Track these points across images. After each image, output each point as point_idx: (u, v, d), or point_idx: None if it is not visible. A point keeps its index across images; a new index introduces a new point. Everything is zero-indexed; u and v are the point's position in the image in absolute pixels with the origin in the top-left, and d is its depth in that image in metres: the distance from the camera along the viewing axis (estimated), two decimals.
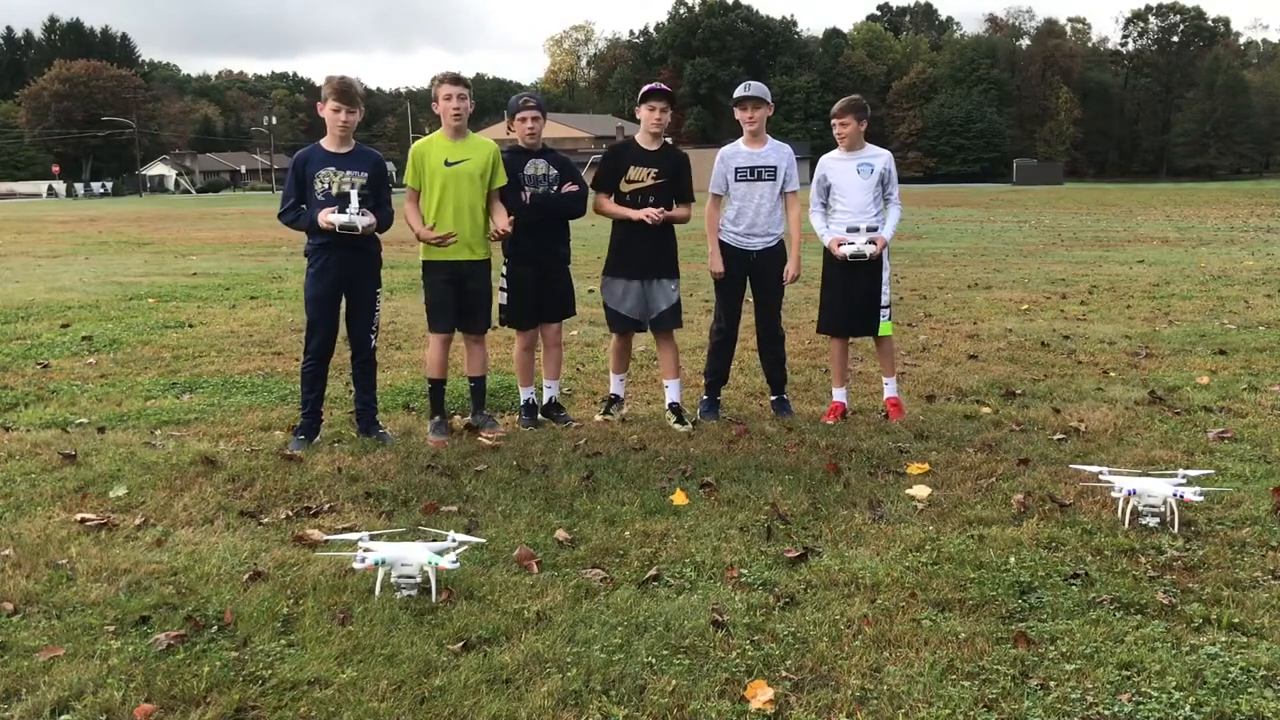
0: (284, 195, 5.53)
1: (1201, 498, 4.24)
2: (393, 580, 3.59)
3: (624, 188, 5.95)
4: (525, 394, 6.15)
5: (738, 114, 6.06)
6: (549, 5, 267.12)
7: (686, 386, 6.98)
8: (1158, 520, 4.21)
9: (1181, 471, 4.55)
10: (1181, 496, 4.17)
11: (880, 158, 6.08)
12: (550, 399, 6.23)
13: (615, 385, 6.31)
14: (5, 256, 19.40)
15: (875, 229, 5.96)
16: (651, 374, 7.47)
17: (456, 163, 5.65)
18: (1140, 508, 4.25)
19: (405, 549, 3.64)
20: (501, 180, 5.78)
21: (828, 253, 6.12)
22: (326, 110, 5.42)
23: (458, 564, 3.62)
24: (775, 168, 6.03)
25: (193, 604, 3.53)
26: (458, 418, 6.14)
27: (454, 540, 3.80)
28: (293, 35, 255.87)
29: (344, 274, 5.53)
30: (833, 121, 6.05)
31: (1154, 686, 2.96)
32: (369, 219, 5.35)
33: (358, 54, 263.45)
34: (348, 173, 5.43)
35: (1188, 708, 2.85)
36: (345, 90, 5.39)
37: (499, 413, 6.35)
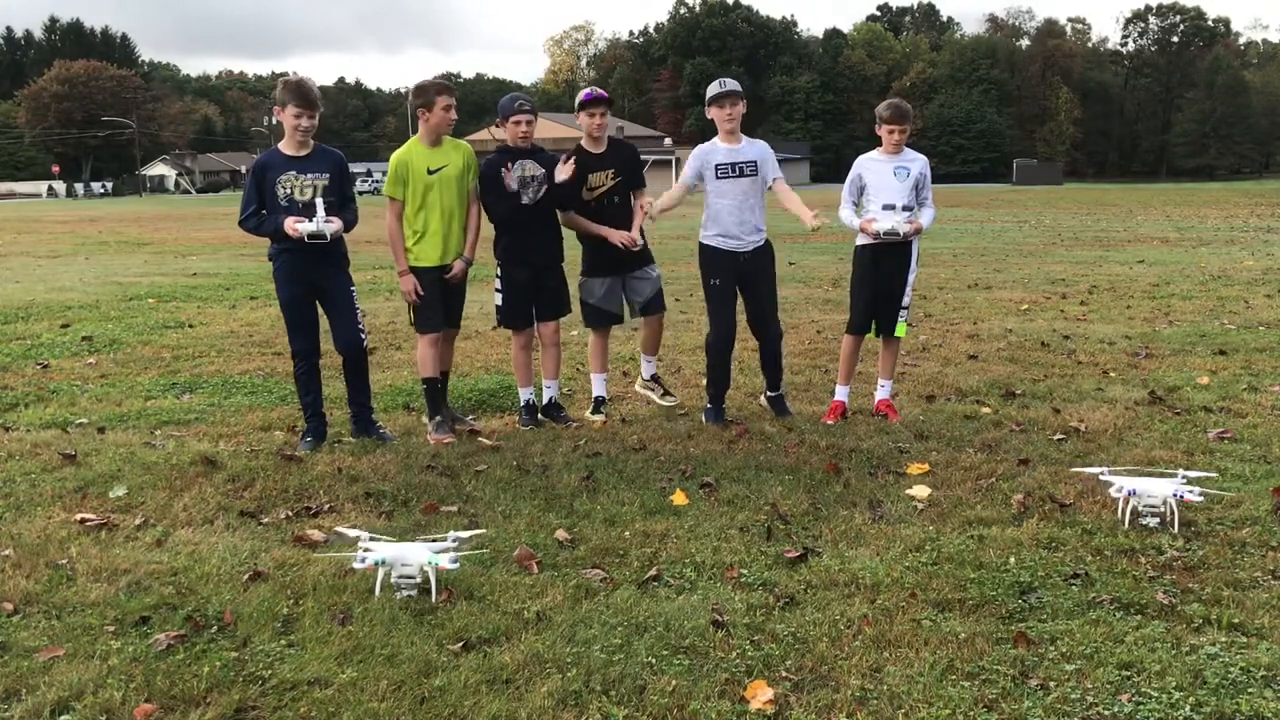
0: (244, 202, 5.46)
1: (1201, 498, 4.25)
2: (393, 580, 3.59)
3: (587, 196, 6.01)
4: (525, 394, 6.16)
5: (716, 112, 5.93)
6: (549, 5, 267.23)
7: (686, 387, 7.03)
8: (1158, 520, 4.21)
9: (1182, 472, 4.55)
10: (1181, 497, 4.17)
11: (917, 162, 6.07)
12: (550, 399, 6.24)
13: (598, 386, 6.36)
14: (5, 256, 19.41)
15: (911, 209, 5.95)
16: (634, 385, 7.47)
17: (439, 169, 5.68)
18: (1140, 508, 4.25)
19: (405, 549, 3.64)
20: (475, 178, 5.87)
21: (859, 253, 6.10)
22: (286, 115, 5.33)
23: (458, 564, 3.62)
24: (755, 162, 5.99)
25: (193, 604, 3.53)
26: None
27: (454, 540, 3.80)
28: (293, 36, 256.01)
29: (310, 275, 5.49)
30: (891, 127, 5.92)
31: (1154, 686, 2.96)
32: (336, 225, 5.32)
33: (356, 55, 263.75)
34: (309, 176, 5.38)
35: (1188, 708, 2.85)
36: (305, 95, 5.32)
37: (499, 413, 6.35)
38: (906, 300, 6.13)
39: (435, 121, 5.63)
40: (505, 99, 5.95)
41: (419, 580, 3.59)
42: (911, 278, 6.12)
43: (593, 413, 6.25)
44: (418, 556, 3.58)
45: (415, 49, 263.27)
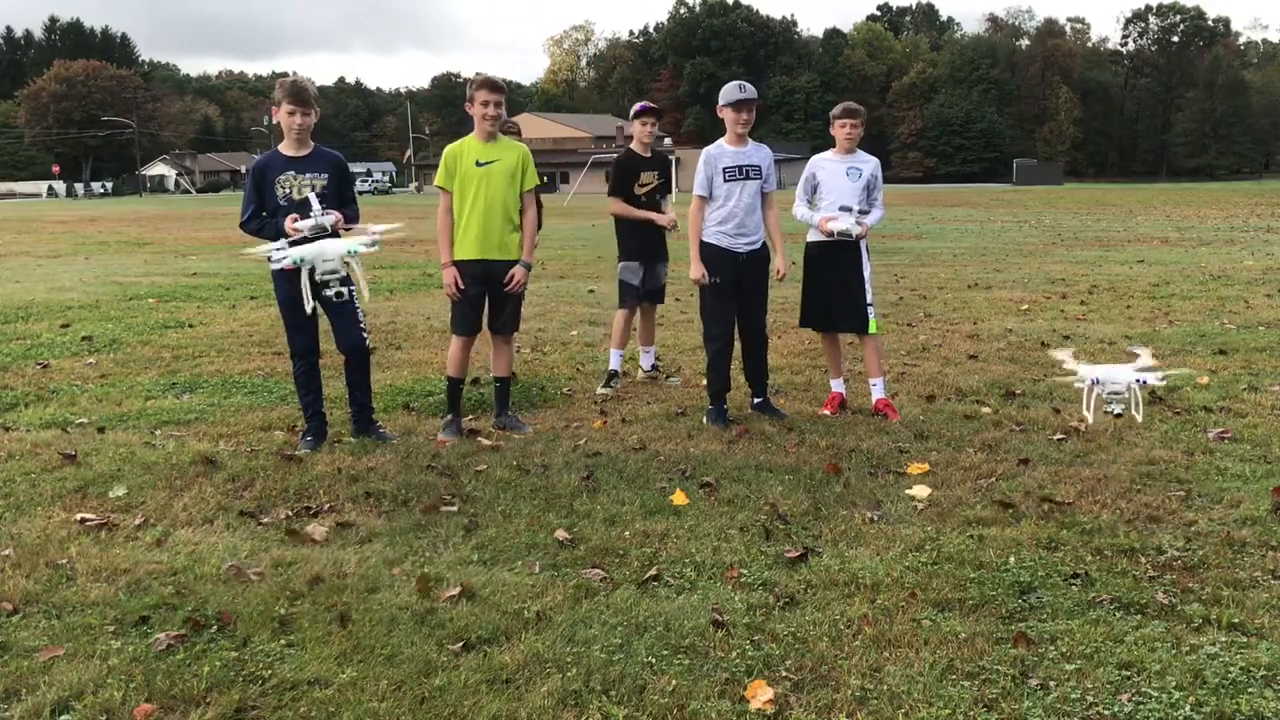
0: (244, 203, 5.46)
1: (1164, 381, 4.17)
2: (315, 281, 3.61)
3: (637, 190, 7.03)
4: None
5: (731, 114, 5.94)
6: (548, 5, 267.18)
7: (686, 387, 7.05)
8: (1121, 406, 4.14)
9: (1145, 355, 4.46)
10: (1145, 382, 4.12)
11: (869, 163, 6.27)
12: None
13: (615, 361, 7.13)
14: (5, 256, 19.40)
15: (866, 212, 6.18)
16: (642, 379, 7.48)
17: (487, 163, 5.73)
18: (1105, 395, 4.19)
19: (324, 245, 3.54)
20: (533, 181, 5.89)
21: (809, 249, 6.31)
22: (281, 114, 5.37)
23: (376, 246, 3.51)
24: (760, 166, 6.07)
25: (192, 604, 3.53)
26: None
27: (373, 233, 3.73)
28: (294, 36, 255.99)
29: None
30: (843, 121, 6.15)
31: (1154, 686, 2.96)
32: (334, 216, 5.30)
33: (357, 55, 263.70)
34: (307, 175, 5.38)
35: (1188, 708, 2.85)
36: (299, 93, 5.34)
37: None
38: (870, 297, 6.25)
39: (475, 115, 5.71)
40: None
41: (343, 274, 3.50)
42: (868, 273, 6.27)
43: (603, 386, 6.96)
44: (336, 250, 3.50)
45: (414, 50, 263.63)
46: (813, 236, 6.27)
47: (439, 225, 5.81)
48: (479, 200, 5.70)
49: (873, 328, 6.26)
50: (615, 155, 7.36)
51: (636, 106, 7.10)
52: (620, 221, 7.11)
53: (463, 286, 5.73)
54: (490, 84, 5.72)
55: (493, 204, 5.72)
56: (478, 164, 5.71)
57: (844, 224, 6.04)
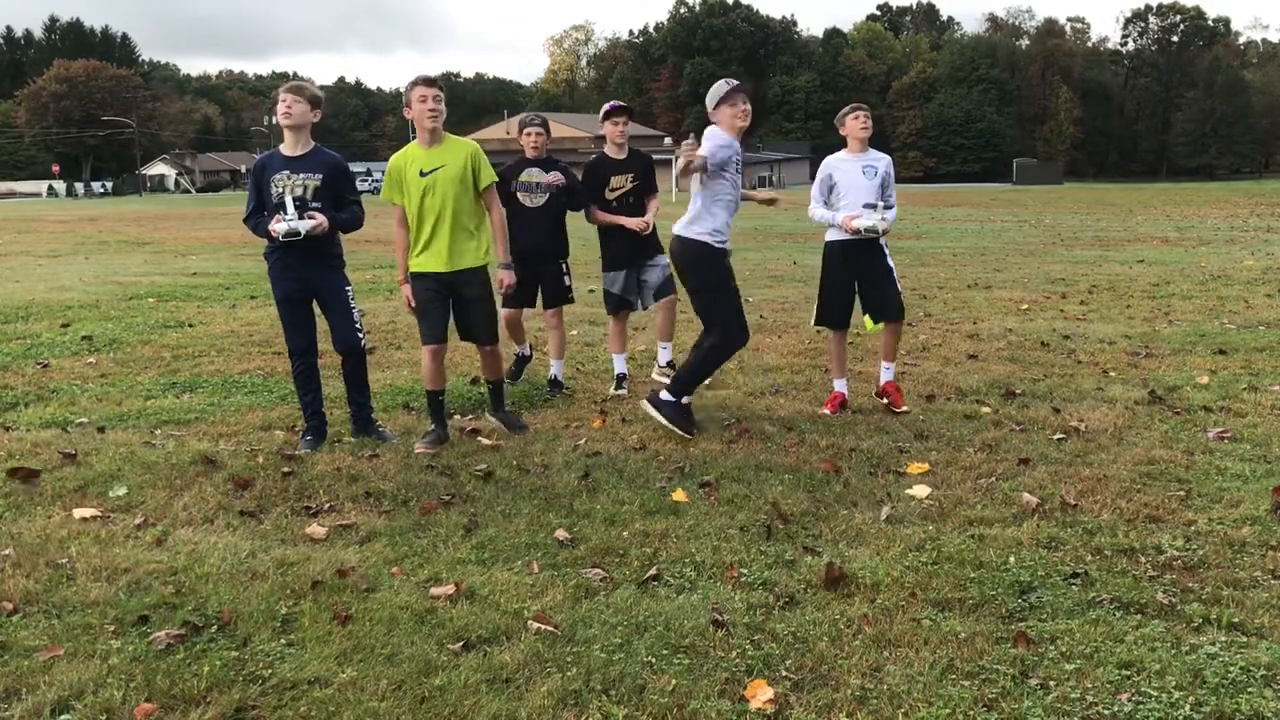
0: (247, 201, 5.52)
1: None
2: None
3: (609, 195, 6.76)
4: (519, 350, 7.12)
5: (730, 110, 5.70)
6: (548, 5, 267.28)
7: None
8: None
9: None
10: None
11: (883, 161, 6.28)
12: (554, 375, 6.95)
13: (619, 365, 7.02)
14: (5, 256, 19.40)
15: (889, 208, 6.18)
16: (650, 372, 7.48)
17: (432, 171, 5.44)
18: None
19: None
20: (489, 179, 5.58)
21: (829, 247, 6.26)
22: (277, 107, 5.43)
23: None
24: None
25: (192, 604, 3.53)
26: (458, 416, 6.14)
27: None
28: (294, 36, 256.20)
29: (302, 275, 5.45)
30: (856, 114, 6.17)
31: (1154, 686, 2.96)
32: (311, 222, 5.25)
33: (356, 56, 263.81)
34: (300, 176, 5.35)
35: (1188, 707, 2.85)
36: (292, 84, 5.41)
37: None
38: (900, 285, 6.30)
39: (415, 115, 5.42)
40: (521, 116, 6.77)
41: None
42: (893, 264, 6.30)
43: (615, 389, 6.88)
44: None
45: (410, 50, 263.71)
46: (832, 235, 6.21)
47: (395, 239, 5.63)
48: (428, 212, 5.44)
49: (901, 312, 6.31)
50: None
51: (606, 106, 6.77)
52: (600, 230, 6.85)
53: (414, 302, 5.56)
54: (425, 79, 5.41)
55: (443, 214, 5.43)
56: (421, 174, 5.44)
57: (870, 220, 6.01)
